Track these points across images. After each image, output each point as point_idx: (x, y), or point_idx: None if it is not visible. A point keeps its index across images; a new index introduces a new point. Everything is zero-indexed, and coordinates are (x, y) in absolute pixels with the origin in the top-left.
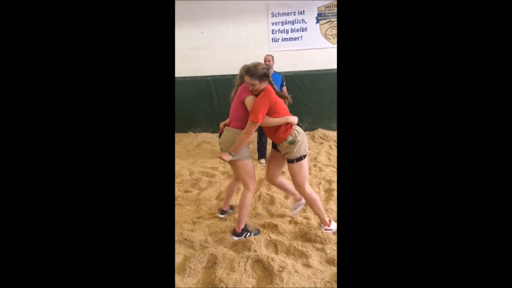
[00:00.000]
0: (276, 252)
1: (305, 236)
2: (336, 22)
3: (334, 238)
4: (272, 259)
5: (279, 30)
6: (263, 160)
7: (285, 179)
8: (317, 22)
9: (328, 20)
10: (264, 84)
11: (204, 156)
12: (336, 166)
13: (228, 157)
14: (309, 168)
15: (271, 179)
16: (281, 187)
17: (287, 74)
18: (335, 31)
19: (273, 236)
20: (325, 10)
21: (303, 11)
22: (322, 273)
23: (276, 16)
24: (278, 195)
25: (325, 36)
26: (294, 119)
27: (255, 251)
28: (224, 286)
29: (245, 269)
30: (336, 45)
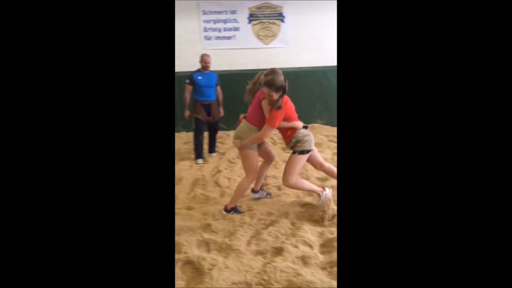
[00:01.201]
0: (208, 251)
1: (239, 231)
2: (267, 23)
3: (266, 230)
4: (203, 259)
5: (211, 28)
6: (200, 160)
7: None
8: (249, 22)
9: (259, 21)
10: (280, 95)
11: None
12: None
13: (238, 144)
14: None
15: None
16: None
17: (223, 73)
18: (267, 32)
19: (206, 236)
20: (256, 11)
21: (235, 10)
22: (252, 264)
23: (208, 14)
24: (213, 194)
25: (258, 36)
26: (298, 125)
27: (186, 253)
28: None
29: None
30: (269, 46)
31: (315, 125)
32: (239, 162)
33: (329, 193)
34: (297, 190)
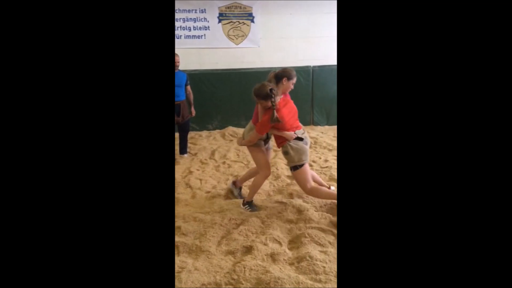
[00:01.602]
0: (178, 254)
1: (209, 232)
2: (237, 23)
3: (237, 229)
4: None
5: (181, 26)
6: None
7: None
8: (219, 21)
9: (229, 20)
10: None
11: None
12: (244, 162)
13: (238, 142)
14: (218, 166)
15: None
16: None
17: (193, 72)
18: (237, 32)
19: (176, 238)
20: (226, 11)
21: (205, 9)
22: (222, 264)
23: (177, 12)
24: (184, 195)
25: (228, 36)
26: (289, 135)
27: None
28: None
29: None
30: (239, 46)
31: None
32: (211, 163)
33: None
34: (268, 189)
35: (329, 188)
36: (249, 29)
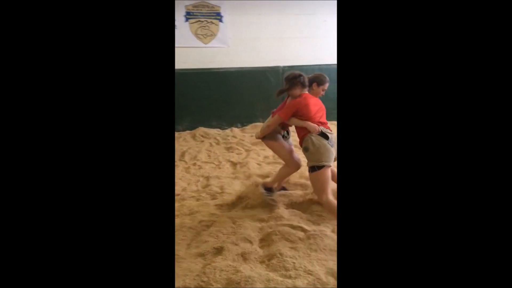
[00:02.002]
0: None
1: (178, 235)
2: (205, 22)
3: (207, 231)
4: None
5: None
6: None
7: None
8: (186, 20)
9: (197, 19)
10: (300, 91)
11: None
12: (215, 163)
13: (256, 136)
14: (188, 167)
15: None
16: None
17: None
18: (205, 31)
19: None
20: (193, 10)
21: None
22: (192, 267)
23: None
24: None
25: (196, 35)
26: (311, 126)
27: None
28: None
29: None
30: (208, 45)
31: (257, 123)
32: (180, 165)
33: None
34: (238, 189)
35: None
36: (218, 28)
